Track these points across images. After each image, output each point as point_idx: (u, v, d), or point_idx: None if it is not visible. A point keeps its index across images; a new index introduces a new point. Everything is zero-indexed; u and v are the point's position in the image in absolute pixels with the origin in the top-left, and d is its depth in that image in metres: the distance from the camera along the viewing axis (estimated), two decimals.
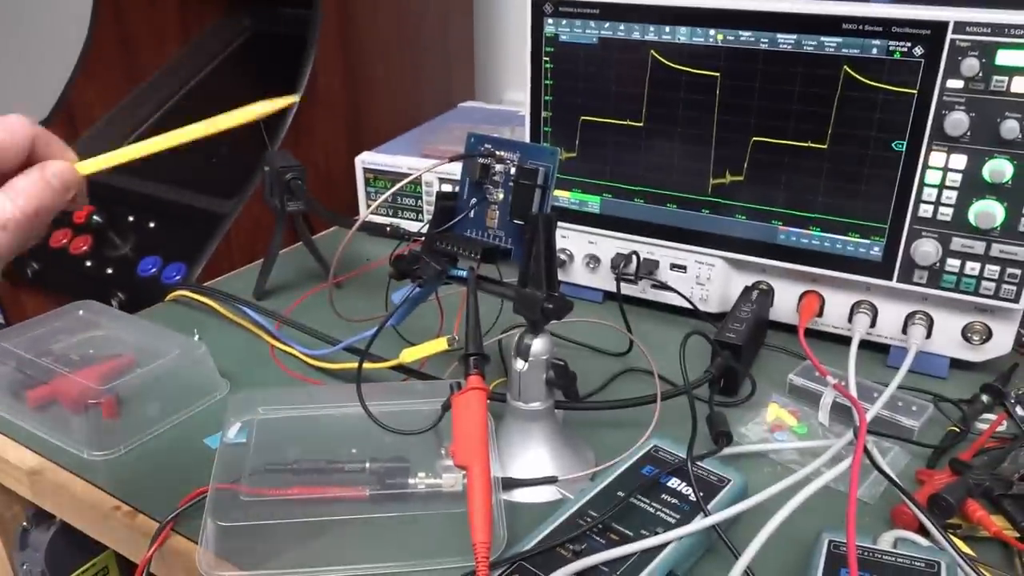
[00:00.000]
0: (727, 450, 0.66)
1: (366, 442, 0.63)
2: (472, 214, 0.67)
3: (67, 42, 1.41)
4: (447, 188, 1.03)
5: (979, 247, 0.73)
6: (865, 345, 0.79)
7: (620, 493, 0.58)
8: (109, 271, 1.11)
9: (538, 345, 0.63)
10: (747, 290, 0.84)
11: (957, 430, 0.69)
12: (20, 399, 0.72)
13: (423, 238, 0.69)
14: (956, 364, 0.79)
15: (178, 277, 1.04)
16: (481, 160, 0.66)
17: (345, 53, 1.15)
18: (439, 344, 0.69)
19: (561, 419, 0.69)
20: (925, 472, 0.65)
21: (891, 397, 0.69)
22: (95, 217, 1.13)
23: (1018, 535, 0.57)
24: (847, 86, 0.74)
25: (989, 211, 0.71)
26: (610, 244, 0.90)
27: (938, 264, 0.75)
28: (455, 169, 0.72)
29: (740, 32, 0.77)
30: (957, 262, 0.74)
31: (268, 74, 1.37)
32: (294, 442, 0.64)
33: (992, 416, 0.71)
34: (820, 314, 0.83)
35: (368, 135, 1.20)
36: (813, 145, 0.77)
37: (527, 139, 0.90)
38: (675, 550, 0.53)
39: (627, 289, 0.88)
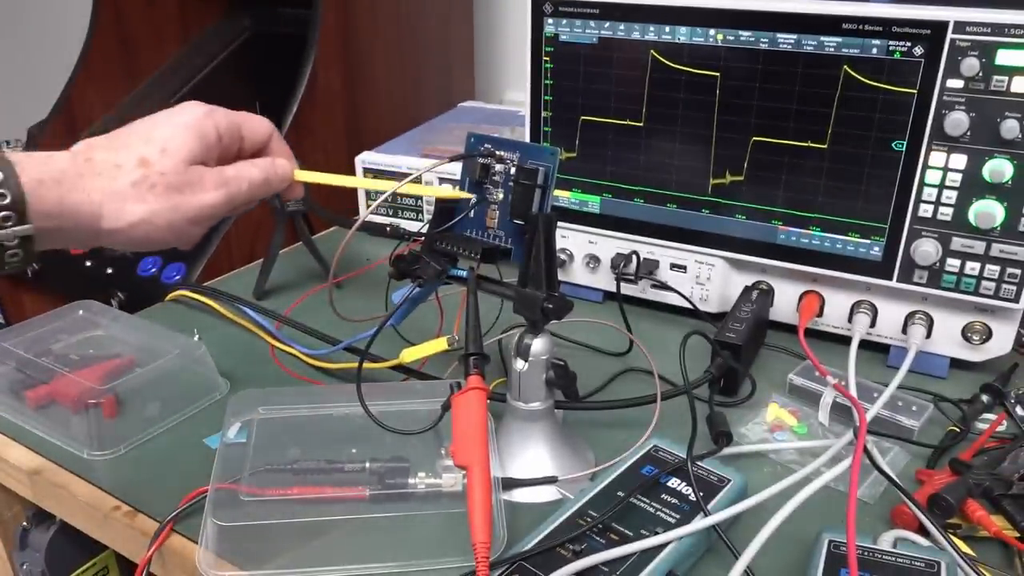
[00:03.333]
0: (727, 450, 0.66)
1: (366, 442, 0.63)
2: (472, 214, 0.67)
3: (67, 42, 1.41)
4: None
5: (979, 247, 0.73)
6: (865, 345, 0.79)
7: (620, 493, 0.58)
8: (109, 271, 1.11)
9: (538, 345, 0.63)
10: (747, 290, 0.84)
11: (957, 430, 0.70)
12: (20, 399, 0.72)
13: (423, 238, 0.69)
14: (956, 364, 0.79)
15: (178, 277, 1.04)
16: (481, 160, 0.66)
17: (345, 53, 1.15)
18: (439, 344, 0.69)
19: (561, 419, 0.69)
20: (925, 472, 0.65)
21: (891, 397, 0.69)
22: None
23: (1018, 535, 0.57)
24: (847, 86, 0.74)
25: (989, 211, 0.71)
26: (610, 244, 0.90)
27: (938, 264, 0.75)
28: (455, 169, 0.72)
29: (740, 32, 0.77)
30: (957, 262, 0.74)
31: (268, 74, 1.37)
32: (294, 442, 0.64)
33: (992, 416, 0.71)
34: (820, 314, 0.83)
35: (368, 135, 1.20)
36: (813, 145, 0.77)
37: (527, 139, 0.90)
38: (675, 550, 0.53)
39: (627, 289, 0.88)
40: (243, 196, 0.57)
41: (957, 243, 0.73)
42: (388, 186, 0.66)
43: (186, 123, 0.54)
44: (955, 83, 0.70)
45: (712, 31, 0.78)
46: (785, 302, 0.84)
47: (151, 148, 0.53)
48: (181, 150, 0.53)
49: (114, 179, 0.52)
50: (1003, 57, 0.68)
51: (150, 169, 0.52)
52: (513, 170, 0.65)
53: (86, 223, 0.52)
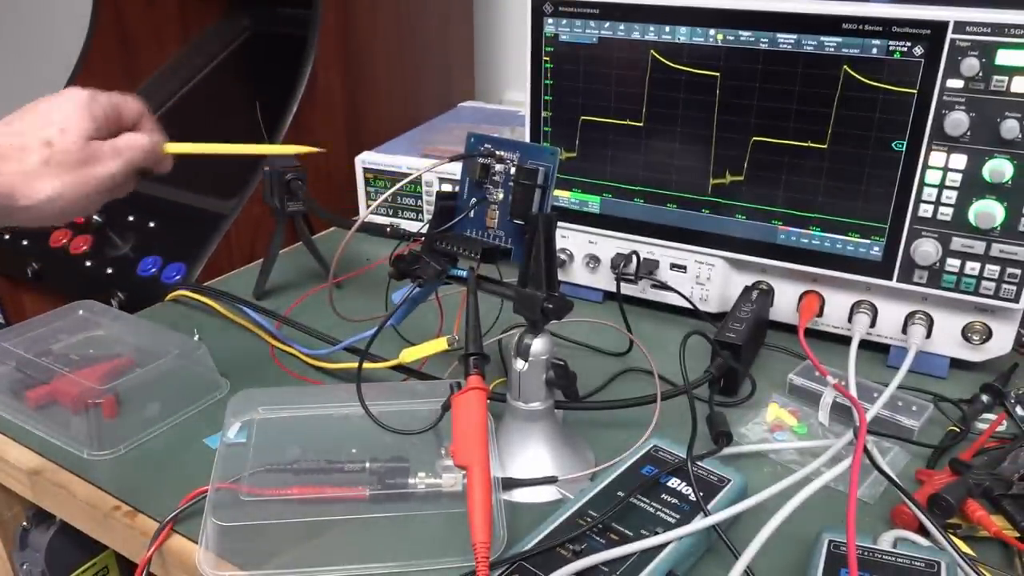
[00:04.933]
0: (727, 450, 0.66)
1: (366, 442, 0.63)
2: (472, 214, 0.67)
3: (67, 42, 1.41)
4: (447, 188, 1.03)
5: (979, 247, 0.73)
6: (865, 345, 0.79)
7: (620, 493, 0.58)
8: (109, 271, 1.11)
9: (538, 345, 0.63)
10: (747, 290, 0.84)
11: (957, 430, 0.70)
12: (20, 399, 0.72)
13: (423, 238, 0.69)
14: (956, 364, 0.79)
15: (178, 277, 1.04)
16: (481, 160, 0.66)
17: (345, 53, 1.15)
18: (439, 344, 0.69)
19: (561, 419, 0.69)
20: (925, 472, 0.65)
21: (891, 397, 0.69)
22: (95, 217, 1.13)
23: (1018, 535, 0.57)
24: (847, 86, 0.74)
25: (989, 211, 0.71)
26: (610, 244, 0.90)
27: (938, 264, 0.75)
28: (455, 169, 0.72)
29: (740, 32, 0.77)
30: (957, 262, 0.74)
31: (268, 74, 1.37)
32: (294, 442, 0.64)
33: (992, 416, 0.71)
34: (820, 314, 0.83)
35: (368, 135, 1.20)
36: (813, 145, 0.77)
37: (527, 139, 0.90)
38: (675, 550, 0.53)
39: (627, 289, 0.88)
40: (137, 163, 0.61)
41: (957, 243, 0.73)
42: (258, 150, 0.74)
43: (77, 104, 0.58)
44: (955, 83, 0.70)
45: (712, 31, 0.78)
46: (785, 302, 0.84)
47: (51, 130, 0.57)
48: (78, 128, 0.57)
49: (22, 161, 0.56)
50: (1003, 57, 0.68)
51: (54, 148, 0.57)
52: (513, 170, 0.65)
53: (0, 203, 0.55)
